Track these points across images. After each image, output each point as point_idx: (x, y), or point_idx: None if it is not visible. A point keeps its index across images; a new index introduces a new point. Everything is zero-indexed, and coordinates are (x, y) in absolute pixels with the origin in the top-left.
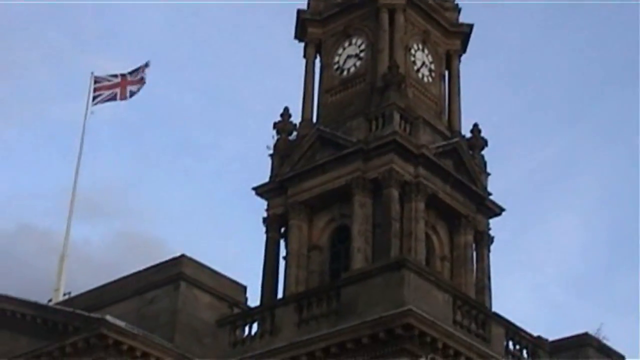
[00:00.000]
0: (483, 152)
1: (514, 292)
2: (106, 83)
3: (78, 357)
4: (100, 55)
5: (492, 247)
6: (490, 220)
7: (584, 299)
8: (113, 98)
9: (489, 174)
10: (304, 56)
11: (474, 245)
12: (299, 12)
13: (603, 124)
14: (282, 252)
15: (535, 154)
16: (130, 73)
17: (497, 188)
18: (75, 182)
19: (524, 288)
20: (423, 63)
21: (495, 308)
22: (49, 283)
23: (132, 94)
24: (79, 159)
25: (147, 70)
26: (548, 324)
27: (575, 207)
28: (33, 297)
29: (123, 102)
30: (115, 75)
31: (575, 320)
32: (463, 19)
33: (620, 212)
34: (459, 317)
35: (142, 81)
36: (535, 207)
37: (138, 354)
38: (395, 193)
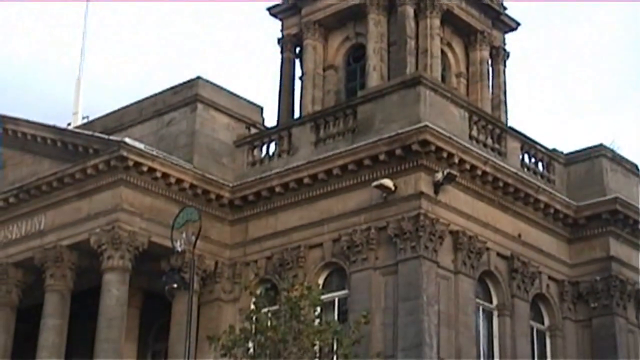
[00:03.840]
0: None
1: (531, 107)
2: None
3: (99, 179)
4: None
5: (508, 63)
6: (508, 37)
7: (599, 113)
8: None
9: None
10: None
11: (489, 61)
12: None
13: None
14: (298, 72)
15: None
16: None
17: (513, 3)
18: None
19: (540, 103)
20: None
21: (512, 123)
22: (69, 108)
23: None
24: None
25: None
26: (564, 137)
27: (592, 23)
28: (54, 121)
29: None
30: None
31: (591, 134)
32: None
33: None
34: (474, 132)
35: None
36: (552, 23)
37: (158, 174)
38: (410, 10)
